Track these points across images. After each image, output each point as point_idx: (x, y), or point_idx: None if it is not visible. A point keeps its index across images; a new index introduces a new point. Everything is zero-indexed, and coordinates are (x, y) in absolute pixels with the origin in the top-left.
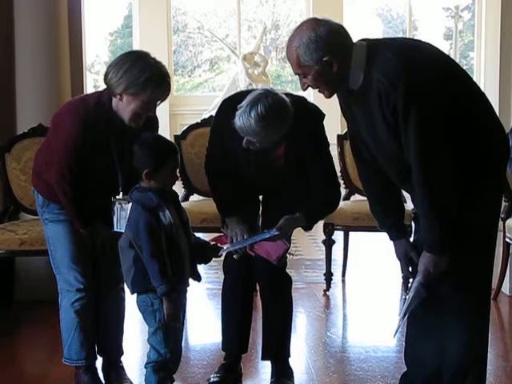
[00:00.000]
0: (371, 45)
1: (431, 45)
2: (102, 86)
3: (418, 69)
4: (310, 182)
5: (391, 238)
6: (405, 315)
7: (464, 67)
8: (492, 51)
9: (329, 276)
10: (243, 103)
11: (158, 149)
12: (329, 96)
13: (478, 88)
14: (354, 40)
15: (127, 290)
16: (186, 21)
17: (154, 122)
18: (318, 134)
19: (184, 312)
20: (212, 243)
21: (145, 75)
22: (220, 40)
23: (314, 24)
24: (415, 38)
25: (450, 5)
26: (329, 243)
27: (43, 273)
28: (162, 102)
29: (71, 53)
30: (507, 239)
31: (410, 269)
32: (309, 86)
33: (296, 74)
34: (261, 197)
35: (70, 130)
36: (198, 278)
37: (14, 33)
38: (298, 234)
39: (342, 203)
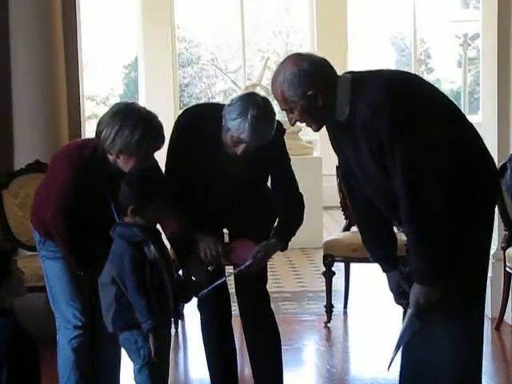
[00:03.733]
0: (356, 77)
1: (419, 77)
2: None
3: (404, 102)
4: (275, 198)
5: (383, 270)
6: (398, 348)
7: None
8: (492, 83)
9: (329, 308)
10: (233, 105)
11: (146, 186)
12: (316, 130)
13: (467, 121)
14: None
15: None
16: (200, 53)
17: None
18: (280, 147)
19: (169, 349)
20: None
21: (136, 136)
22: (222, 72)
23: (297, 59)
24: (429, 66)
25: (459, 33)
26: (329, 275)
27: (40, 309)
28: (158, 150)
29: (68, 88)
30: (508, 269)
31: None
32: (296, 120)
33: (283, 109)
34: (225, 230)
35: (65, 176)
36: (180, 316)
37: (10, 64)
38: (301, 265)
39: (341, 234)
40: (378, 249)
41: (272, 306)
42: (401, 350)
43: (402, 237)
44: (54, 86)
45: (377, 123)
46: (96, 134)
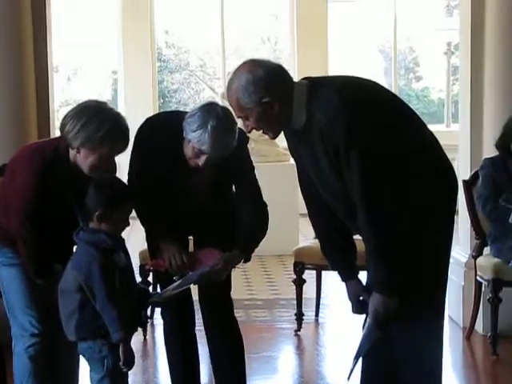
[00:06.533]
0: (312, 83)
1: (374, 82)
2: None
3: (360, 109)
4: (238, 206)
5: (342, 279)
6: (357, 357)
7: None
8: (466, 91)
9: (300, 316)
10: (192, 116)
11: (114, 192)
12: (273, 137)
13: (426, 130)
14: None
15: None
16: (188, 59)
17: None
18: (243, 156)
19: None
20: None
21: (102, 131)
22: (200, 79)
23: (252, 66)
24: (417, 74)
25: (444, 41)
26: (299, 282)
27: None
28: (121, 153)
29: (37, 91)
30: (478, 278)
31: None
32: (252, 128)
33: (238, 117)
34: (191, 238)
35: (26, 180)
36: (142, 323)
37: None
38: (276, 273)
39: (312, 242)
40: (336, 257)
41: (243, 313)
42: (360, 359)
43: (361, 246)
44: (24, 91)
45: (333, 132)
46: (60, 128)
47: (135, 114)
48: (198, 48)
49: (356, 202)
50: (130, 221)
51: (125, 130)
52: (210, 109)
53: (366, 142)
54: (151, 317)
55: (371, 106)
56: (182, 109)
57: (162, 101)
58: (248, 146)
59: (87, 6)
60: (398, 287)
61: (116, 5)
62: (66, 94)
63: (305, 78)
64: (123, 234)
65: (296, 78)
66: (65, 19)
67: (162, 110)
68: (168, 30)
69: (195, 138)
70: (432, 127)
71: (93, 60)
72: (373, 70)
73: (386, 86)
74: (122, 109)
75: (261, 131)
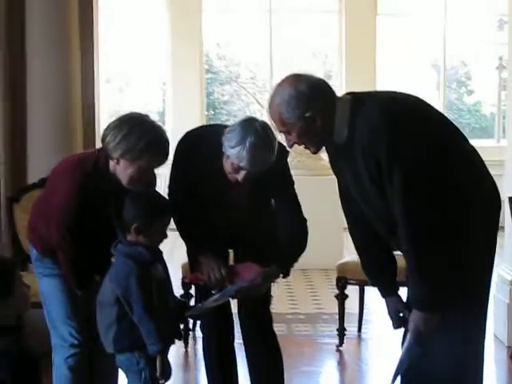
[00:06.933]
0: (356, 98)
1: (419, 98)
2: None
3: (402, 124)
4: (277, 221)
5: (382, 296)
6: (397, 374)
7: None
8: None
9: (342, 331)
10: (231, 132)
11: (152, 204)
12: (315, 152)
13: (468, 145)
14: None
15: None
16: (239, 71)
17: (152, 179)
18: (282, 171)
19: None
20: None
21: (142, 143)
22: (247, 91)
23: (294, 80)
24: (469, 88)
25: (496, 56)
26: (341, 298)
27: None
28: (160, 166)
29: (83, 103)
30: None
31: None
32: (294, 143)
33: (280, 131)
34: (231, 252)
35: (67, 192)
36: (179, 336)
37: (26, 82)
38: (320, 287)
39: (356, 257)
40: (376, 273)
41: (284, 327)
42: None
43: (402, 261)
44: (70, 100)
45: (375, 147)
46: (101, 139)
47: (183, 126)
48: (248, 60)
49: (397, 217)
50: (174, 234)
51: (164, 143)
52: (248, 125)
53: (409, 158)
54: (193, 329)
55: (413, 121)
56: (231, 120)
57: (212, 112)
58: (294, 159)
59: (139, 17)
60: (438, 305)
61: (166, 17)
62: (117, 105)
63: (348, 93)
64: (165, 247)
65: (343, 93)
66: (116, 30)
67: (211, 122)
68: (219, 43)
69: (234, 155)
70: (482, 142)
71: (144, 71)
72: (425, 84)
73: (438, 99)
74: (169, 120)
75: (303, 146)
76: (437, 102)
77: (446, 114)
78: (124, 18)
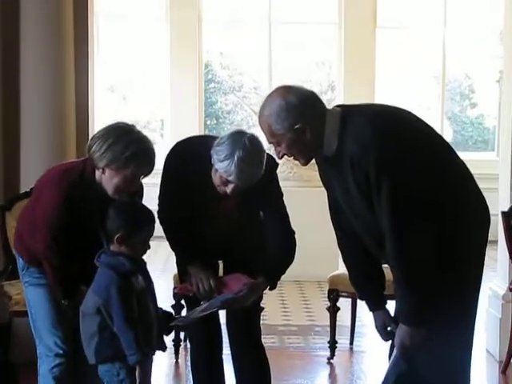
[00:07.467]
0: (345, 111)
1: (410, 112)
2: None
3: (391, 139)
4: (265, 233)
5: (370, 309)
6: None
7: None
8: (508, 119)
9: (333, 343)
10: (220, 145)
11: (136, 215)
12: (304, 164)
13: (458, 160)
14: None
15: None
16: (242, 81)
17: (139, 189)
18: (271, 183)
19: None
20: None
21: (128, 152)
22: (243, 102)
23: (284, 92)
24: (472, 101)
25: (496, 69)
26: (333, 310)
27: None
28: (146, 176)
29: (77, 112)
30: None
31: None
32: (284, 154)
33: (270, 142)
34: (221, 263)
35: (53, 203)
36: (163, 347)
37: (19, 91)
38: (312, 298)
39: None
40: (364, 286)
41: (276, 339)
42: None
43: (390, 275)
44: (63, 103)
45: (364, 161)
46: (87, 148)
47: (181, 134)
48: (251, 70)
49: (384, 229)
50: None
51: (150, 152)
52: (237, 138)
53: (397, 172)
54: (184, 340)
55: (402, 135)
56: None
57: (215, 121)
58: (290, 170)
59: (139, 25)
60: (424, 319)
61: (165, 26)
62: (120, 114)
63: (338, 106)
64: (159, 258)
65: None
66: (119, 39)
67: (215, 131)
68: (222, 52)
69: (222, 168)
70: (484, 155)
71: (146, 81)
72: (426, 97)
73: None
74: (167, 129)
75: (292, 157)
76: (438, 115)
77: (449, 127)
78: (125, 29)
